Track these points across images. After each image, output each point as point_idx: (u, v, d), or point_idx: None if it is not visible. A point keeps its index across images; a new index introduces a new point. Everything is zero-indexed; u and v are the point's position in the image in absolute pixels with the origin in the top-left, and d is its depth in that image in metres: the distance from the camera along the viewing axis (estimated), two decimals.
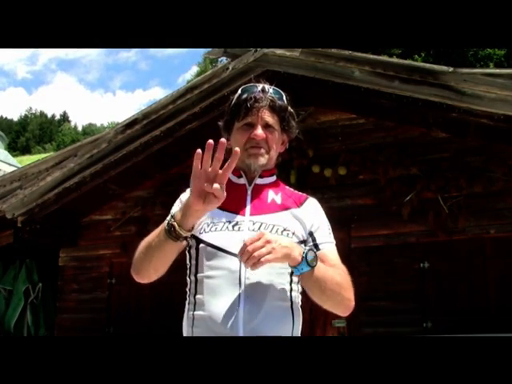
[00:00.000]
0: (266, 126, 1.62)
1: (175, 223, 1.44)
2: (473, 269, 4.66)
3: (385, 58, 5.02)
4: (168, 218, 1.48)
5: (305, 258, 1.45)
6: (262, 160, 1.63)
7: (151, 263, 1.53)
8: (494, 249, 4.65)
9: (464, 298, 4.61)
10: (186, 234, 1.46)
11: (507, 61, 17.74)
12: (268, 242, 1.40)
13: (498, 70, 4.61)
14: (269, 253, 1.39)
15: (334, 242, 1.66)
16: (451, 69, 4.33)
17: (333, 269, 1.55)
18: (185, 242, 1.53)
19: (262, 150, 1.62)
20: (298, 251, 1.46)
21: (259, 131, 1.60)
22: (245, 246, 1.40)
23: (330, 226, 1.68)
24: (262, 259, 1.38)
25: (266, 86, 1.64)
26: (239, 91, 1.66)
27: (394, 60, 4.98)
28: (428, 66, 4.64)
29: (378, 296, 4.83)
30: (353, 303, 1.56)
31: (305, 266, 1.45)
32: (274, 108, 1.62)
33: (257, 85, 1.64)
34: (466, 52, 17.75)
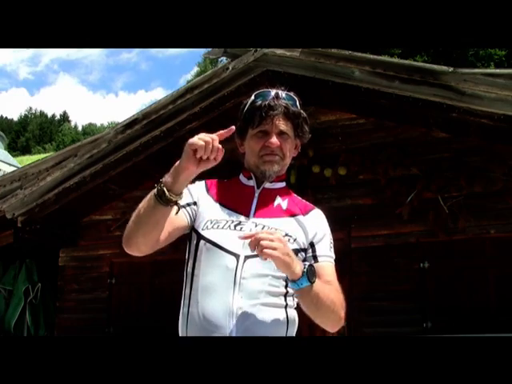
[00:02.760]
0: (280, 134, 1.63)
1: (165, 188, 1.44)
2: (473, 269, 4.66)
3: (385, 57, 5.00)
4: (157, 184, 1.48)
5: (306, 273, 1.44)
6: (277, 167, 1.65)
7: (140, 230, 1.51)
8: (494, 249, 4.64)
9: (464, 298, 4.60)
10: (175, 198, 1.47)
11: (508, 61, 17.75)
12: (279, 240, 1.41)
13: (498, 70, 4.61)
14: (274, 249, 1.39)
15: (334, 257, 1.66)
16: (451, 69, 4.32)
17: (328, 286, 1.56)
18: (175, 209, 1.53)
19: (277, 157, 1.64)
20: (299, 267, 1.45)
21: (274, 139, 1.61)
22: (258, 233, 1.41)
23: (332, 240, 1.68)
24: (265, 250, 1.38)
25: (280, 92, 1.63)
26: (252, 97, 1.66)
27: (394, 60, 4.98)
28: (428, 65, 4.63)
29: (378, 296, 4.83)
30: (343, 321, 1.58)
31: (305, 281, 1.45)
32: (287, 115, 1.62)
33: (270, 90, 1.64)
34: (466, 52, 17.75)
